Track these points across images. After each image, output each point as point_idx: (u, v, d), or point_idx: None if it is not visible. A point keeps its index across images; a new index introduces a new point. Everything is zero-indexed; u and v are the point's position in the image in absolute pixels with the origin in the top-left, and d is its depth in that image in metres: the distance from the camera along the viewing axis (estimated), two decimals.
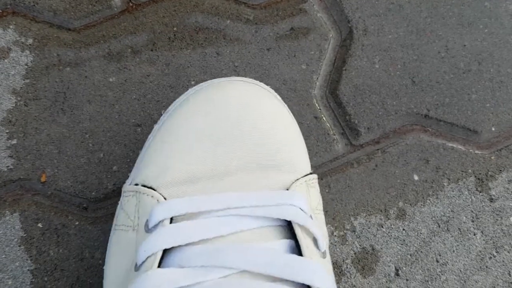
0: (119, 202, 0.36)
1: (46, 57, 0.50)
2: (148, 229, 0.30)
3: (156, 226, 0.30)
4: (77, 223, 0.44)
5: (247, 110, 0.35)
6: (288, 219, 0.31)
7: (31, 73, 0.50)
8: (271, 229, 0.31)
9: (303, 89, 0.51)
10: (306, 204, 0.33)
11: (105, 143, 0.48)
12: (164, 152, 0.33)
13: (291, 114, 0.39)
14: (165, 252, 0.30)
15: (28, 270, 0.43)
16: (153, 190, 0.31)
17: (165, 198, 0.32)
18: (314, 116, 0.50)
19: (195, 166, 0.33)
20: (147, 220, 0.31)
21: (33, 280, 0.42)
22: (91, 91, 0.50)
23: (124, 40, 0.51)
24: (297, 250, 0.30)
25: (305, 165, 0.37)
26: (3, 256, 0.43)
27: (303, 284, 0.29)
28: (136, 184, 0.33)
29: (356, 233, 0.45)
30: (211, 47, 0.52)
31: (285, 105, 0.38)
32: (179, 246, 0.29)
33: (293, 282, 0.28)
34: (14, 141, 0.47)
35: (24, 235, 0.44)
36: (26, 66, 0.50)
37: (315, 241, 0.32)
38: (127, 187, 0.34)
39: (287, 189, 0.33)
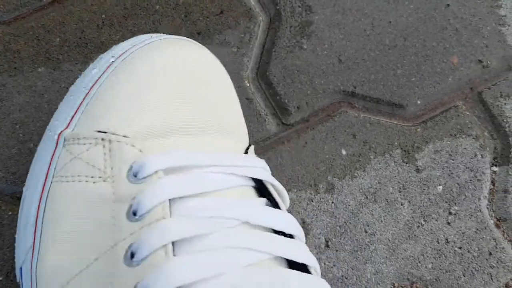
0: (52, 149, 0.31)
1: None
2: (138, 180, 0.29)
3: (149, 176, 0.29)
4: (10, 213, 0.45)
5: (214, 68, 0.38)
6: (267, 180, 0.34)
7: None
8: (249, 188, 0.34)
9: (234, 72, 0.53)
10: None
11: (35, 133, 0.49)
12: (129, 99, 0.31)
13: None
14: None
15: None
16: (128, 138, 0.30)
17: (140, 151, 0.30)
18: (246, 98, 0.52)
19: (166, 117, 0.32)
20: (130, 169, 0.29)
21: None
22: (21, 82, 0.51)
23: (52, 30, 0.52)
24: (274, 207, 0.33)
25: (247, 136, 0.41)
26: None
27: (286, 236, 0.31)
28: (100, 131, 0.30)
29: (288, 208, 0.47)
30: (140, 33, 0.53)
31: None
32: (180, 198, 0.29)
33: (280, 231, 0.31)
34: None
35: None
36: None
37: (282, 199, 0.36)
38: (77, 132, 0.31)
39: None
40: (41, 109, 0.50)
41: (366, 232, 0.48)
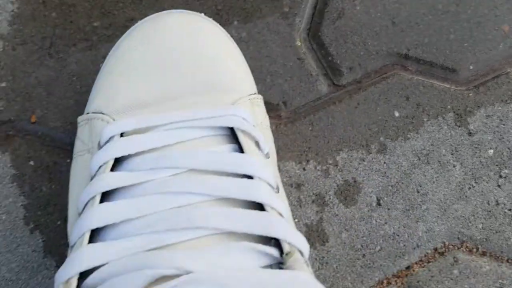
0: (76, 135, 0.38)
1: (31, 3, 0.51)
2: (100, 147, 0.33)
3: (107, 142, 0.32)
4: (68, 160, 0.46)
5: (189, 38, 0.38)
6: (230, 126, 0.32)
7: (17, 19, 0.51)
8: (216, 137, 0.34)
9: (286, 32, 0.53)
10: (250, 117, 0.35)
11: (92, 85, 0.50)
12: (112, 82, 0.36)
13: (232, 39, 0.42)
14: (116, 164, 0.32)
15: (21, 205, 0.44)
16: (103, 114, 0.34)
17: (114, 120, 0.34)
18: (297, 58, 0.52)
19: (143, 92, 0.35)
20: (99, 141, 0.33)
21: (27, 214, 0.44)
22: (77, 35, 0.51)
23: None
24: (241, 152, 0.33)
25: (249, 86, 0.40)
26: None
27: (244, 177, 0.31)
28: (88, 113, 0.36)
29: (339, 167, 0.48)
30: None
31: (225, 31, 0.41)
32: (129, 156, 0.32)
33: (236, 176, 0.31)
34: (3, 84, 0.49)
35: (17, 172, 0.46)
36: (12, 12, 0.51)
37: (257, 144, 0.34)
38: (80, 118, 0.38)
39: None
40: (97, 62, 0.50)
41: (418, 192, 0.48)
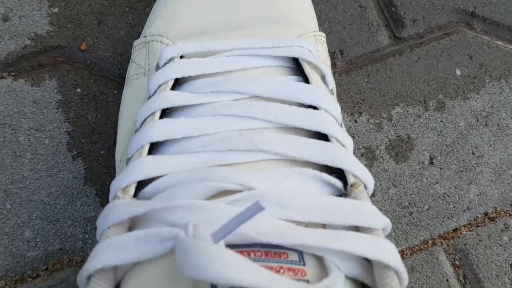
0: (130, 59, 0.37)
1: None
2: (159, 68, 0.32)
3: (166, 63, 0.32)
4: (115, 91, 0.45)
5: None
6: (296, 56, 0.32)
7: None
8: (280, 68, 0.32)
9: None
10: (315, 51, 0.34)
11: (144, 18, 0.48)
12: (172, 6, 0.35)
13: None
14: (176, 85, 0.31)
15: (65, 131, 0.43)
16: (162, 37, 0.33)
17: (166, 45, 0.33)
18: (359, 5, 0.50)
19: (204, 19, 0.34)
20: (158, 63, 0.32)
21: (70, 141, 0.43)
22: None
23: None
24: (306, 83, 0.31)
25: (314, 24, 0.39)
26: (41, 117, 0.44)
27: (310, 108, 0.30)
28: (145, 36, 0.35)
29: (393, 122, 0.45)
30: None
31: None
32: (190, 78, 0.31)
33: (301, 105, 0.30)
34: (56, 10, 0.48)
35: (63, 98, 0.45)
36: None
37: (323, 78, 0.33)
38: (136, 41, 0.37)
39: None
40: None
41: (473, 154, 0.46)
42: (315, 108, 0.30)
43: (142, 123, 0.29)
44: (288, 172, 0.26)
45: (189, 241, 0.19)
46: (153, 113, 0.28)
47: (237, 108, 0.28)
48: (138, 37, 0.47)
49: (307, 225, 0.24)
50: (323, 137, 0.29)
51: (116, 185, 0.26)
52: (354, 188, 0.26)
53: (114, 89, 0.45)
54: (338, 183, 0.26)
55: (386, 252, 0.22)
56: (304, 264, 0.22)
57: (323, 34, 0.39)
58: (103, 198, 0.42)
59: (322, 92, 0.29)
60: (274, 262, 0.21)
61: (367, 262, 0.23)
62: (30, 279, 0.40)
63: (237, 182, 0.24)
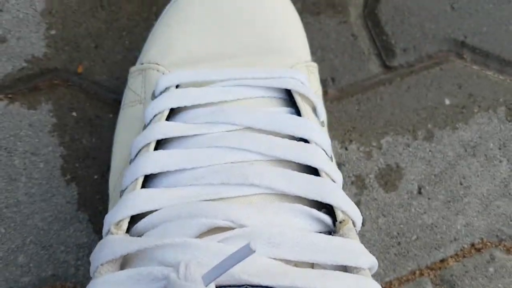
0: (126, 85, 0.36)
1: None
2: (155, 97, 0.31)
3: (162, 92, 0.31)
4: (111, 115, 0.44)
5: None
6: (288, 88, 0.31)
7: None
8: (273, 99, 0.32)
9: (341, 6, 0.50)
10: (307, 82, 0.34)
11: (141, 42, 0.47)
12: (168, 34, 0.34)
13: (292, 6, 0.39)
14: (171, 115, 0.30)
15: (60, 155, 0.42)
16: (158, 65, 0.33)
17: (170, 72, 0.33)
18: (351, 34, 0.49)
19: (200, 47, 0.34)
20: (153, 91, 0.32)
21: (64, 165, 0.42)
22: None
23: None
24: (297, 115, 0.31)
25: (306, 54, 0.38)
26: (36, 140, 0.43)
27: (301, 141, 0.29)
28: (142, 63, 0.34)
29: (382, 150, 0.45)
30: None
31: None
32: (185, 108, 0.30)
33: (292, 138, 0.29)
34: (53, 32, 0.46)
35: (58, 122, 0.44)
36: None
37: (314, 110, 0.33)
38: (133, 68, 0.36)
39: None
40: (149, 20, 0.48)
41: (461, 184, 0.45)
42: (306, 141, 0.29)
43: (137, 154, 0.29)
44: (278, 207, 0.25)
45: (180, 284, 0.19)
46: (147, 144, 0.28)
47: (230, 140, 0.28)
48: (135, 61, 0.46)
49: (296, 264, 0.23)
50: (314, 170, 0.28)
51: (109, 219, 0.25)
52: (342, 225, 0.25)
53: (109, 113, 0.44)
54: (327, 219, 0.26)
55: None
56: None
57: (315, 65, 0.38)
58: (96, 224, 0.41)
59: (313, 125, 0.29)
60: None
61: None
62: None
63: (228, 218, 0.23)
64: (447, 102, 0.48)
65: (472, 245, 0.44)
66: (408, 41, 0.50)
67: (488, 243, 0.44)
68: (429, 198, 0.44)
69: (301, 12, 0.48)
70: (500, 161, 0.46)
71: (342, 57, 0.49)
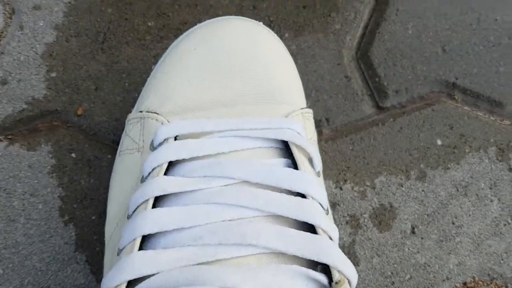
0: (124, 131, 0.36)
1: None
2: (154, 148, 0.31)
3: (161, 144, 0.31)
4: (109, 156, 0.44)
5: (247, 45, 0.36)
6: (285, 139, 0.31)
7: (73, 11, 0.49)
8: (270, 150, 0.32)
9: (335, 49, 0.51)
10: (303, 131, 0.34)
11: (140, 84, 0.48)
12: (166, 83, 0.34)
13: (288, 52, 0.39)
14: (169, 167, 0.30)
15: (59, 196, 0.43)
16: (157, 114, 0.32)
17: (168, 122, 0.33)
18: (345, 76, 0.49)
19: (198, 96, 0.34)
20: (152, 140, 0.32)
21: (63, 206, 0.42)
22: (130, 33, 0.49)
23: None
24: (294, 167, 0.31)
25: (301, 100, 0.38)
26: (36, 181, 0.43)
27: (298, 195, 0.29)
28: (141, 111, 0.34)
29: (376, 190, 0.45)
30: (248, 0, 0.51)
31: (282, 43, 0.39)
32: (183, 161, 0.30)
33: (289, 192, 0.29)
34: (54, 74, 0.47)
35: (57, 163, 0.44)
36: (69, 4, 0.49)
37: (310, 161, 0.33)
38: (131, 115, 0.36)
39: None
40: (148, 63, 0.49)
41: (453, 223, 0.45)
42: (303, 195, 0.29)
43: (135, 210, 0.29)
44: (275, 269, 0.25)
45: None
46: (146, 201, 0.27)
47: (228, 196, 0.27)
48: (134, 103, 0.46)
49: None
50: (310, 226, 0.28)
51: (106, 283, 0.25)
52: (338, 286, 0.25)
53: (108, 154, 0.45)
54: (323, 279, 0.26)
55: None
56: None
57: (310, 111, 0.39)
58: (93, 265, 0.41)
59: (310, 177, 0.29)
60: None
61: None
62: None
63: (225, 285, 0.23)
64: (439, 142, 0.48)
65: (464, 284, 0.44)
66: (400, 82, 0.50)
67: (480, 282, 0.44)
68: (422, 238, 0.45)
69: (295, 54, 0.49)
70: (491, 201, 0.47)
71: (336, 98, 0.49)
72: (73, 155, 0.44)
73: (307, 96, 0.49)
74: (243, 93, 0.35)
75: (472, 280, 0.44)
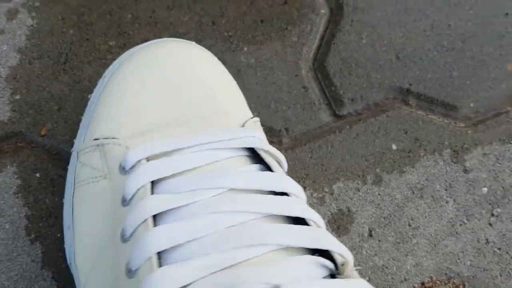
0: (74, 164, 0.36)
1: (51, 19, 0.51)
2: (125, 171, 0.31)
3: (133, 166, 0.31)
4: None
5: (187, 64, 0.37)
6: (252, 147, 0.33)
7: (36, 34, 0.50)
8: (241, 158, 0.33)
9: (293, 61, 0.52)
10: (263, 137, 0.36)
11: None
12: (118, 108, 0.34)
13: (225, 68, 0.41)
14: (152, 186, 0.31)
15: (25, 216, 0.44)
16: (117, 139, 0.33)
17: (133, 145, 0.33)
18: (302, 86, 0.51)
19: (151, 117, 0.34)
20: (120, 164, 0.32)
21: (29, 225, 0.43)
22: (92, 53, 0.50)
23: (125, 6, 0.52)
24: (268, 171, 0.32)
25: (248, 110, 0.40)
26: (2, 202, 0.44)
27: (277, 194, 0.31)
28: (96, 139, 0.34)
29: (334, 196, 0.46)
30: (207, 17, 0.52)
31: (218, 59, 0.41)
32: (164, 179, 0.31)
33: (273, 193, 0.31)
34: (18, 97, 0.48)
35: (22, 183, 0.45)
36: (31, 27, 0.50)
37: (279, 163, 0.35)
38: (82, 145, 0.35)
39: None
40: None
41: (409, 225, 0.47)
42: (285, 194, 0.31)
43: (132, 233, 0.28)
44: (295, 261, 0.26)
45: None
46: (144, 222, 0.27)
47: (222, 205, 0.28)
48: None
49: None
50: (300, 220, 0.30)
51: None
52: (345, 266, 0.27)
53: None
54: (330, 264, 0.27)
55: None
56: None
57: (258, 119, 0.40)
58: (59, 281, 0.42)
59: (287, 177, 0.31)
60: None
61: None
62: None
63: (262, 281, 0.24)
64: (394, 147, 0.49)
65: (422, 284, 0.45)
66: (355, 91, 0.52)
67: (438, 281, 0.45)
68: (379, 240, 0.46)
69: (255, 67, 0.50)
70: (447, 202, 0.48)
71: (295, 108, 0.50)
72: (37, 174, 0.45)
73: (267, 107, 0.50)
74: (194, 109, 0.36)
75: (430, 280, 0.45)
